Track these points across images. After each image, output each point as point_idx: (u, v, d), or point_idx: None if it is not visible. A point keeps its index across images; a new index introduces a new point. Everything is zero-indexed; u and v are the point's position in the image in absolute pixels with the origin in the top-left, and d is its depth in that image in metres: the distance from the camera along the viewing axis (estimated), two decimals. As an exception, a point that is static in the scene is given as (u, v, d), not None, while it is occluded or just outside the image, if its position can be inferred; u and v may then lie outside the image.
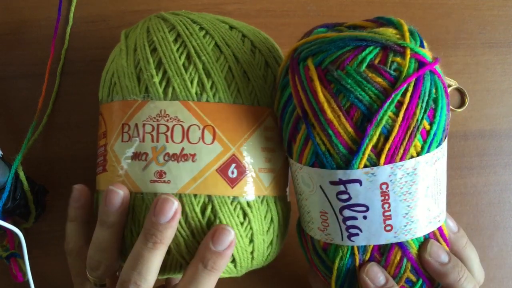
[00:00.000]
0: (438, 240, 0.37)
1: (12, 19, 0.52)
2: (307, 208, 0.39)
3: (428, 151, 0.34)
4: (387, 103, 0.33)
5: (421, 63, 0.34)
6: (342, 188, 0.35)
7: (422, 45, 0.35)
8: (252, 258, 0.40)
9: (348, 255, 0.37)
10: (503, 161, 0.55)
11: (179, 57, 0.38)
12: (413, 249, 0.37)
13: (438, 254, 0.37)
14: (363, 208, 0.35)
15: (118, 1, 0.53)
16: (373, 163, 0.34)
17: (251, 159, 0.38)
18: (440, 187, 0.37)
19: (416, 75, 0.33)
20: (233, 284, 0.49)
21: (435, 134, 0.35)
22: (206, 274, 0.36)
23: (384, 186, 0.34)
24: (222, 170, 0.37)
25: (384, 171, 0.34)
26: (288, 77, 0.37)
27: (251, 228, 0.38)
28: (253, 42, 0.40)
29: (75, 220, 0.41)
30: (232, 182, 0.38)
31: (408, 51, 0.34)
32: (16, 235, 0.41)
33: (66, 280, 0.42)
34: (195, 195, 0.37)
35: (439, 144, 0.35)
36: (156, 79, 0.38)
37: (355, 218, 0.35)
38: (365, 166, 0.34)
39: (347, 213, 0.35)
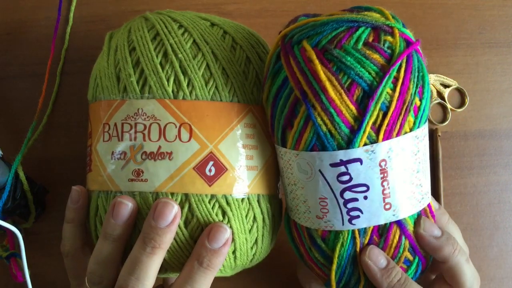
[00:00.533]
0: (427, 217, 0.38)
1: (12, 19, 0.52)
2: (303, 198, 0.38)
3: (418, 127, 0.36)
4: (386, 78, 0.34)
5: (408, 42, 0.36)
6: (343, 169, 0.35)
7: (404, 27, 0.37)
8: (235, 257, 0.39)
9: (348, 241, 0.37)
10: (503, 161, 0.55)
11: (156, 56, 0.38)
12: (410, 226, 0.37)
13: (431, 229, 0.38)
14: (364, 188, 0.35)
15: (118, 1, 0.53)
16: (373, 140, 0.35)
17: (230, 157, 0.38)
18: (427, 163, 0.38)
19: (407, 52, 0.35)
20: (234, 283, 0.49)
21: (424, 110, 0.36)
22: (202, 272, 0.36)
23: (383, 163, 0.35)
24: (199, 168, 0.37)
25: (383, 148, 0.35)
26: (280, 62, 0.37)
27: (231, 226, 0.38)
28: (234, 39, 0.40)
29: (73, 222, 0.41)
30: (210, 180, 0.37)
31: (397, 31, 0.36)
32: (15, 234, 0.41)
33: (66, 280, 0.42)
34: (172, 194, 0.37)
35: (425, 122, 0.37)
36: (134, 78, 0.38)
37: (356, 200, 0.36)
38: (365, 144, 0.35)
39: (348, 195, 0.36)
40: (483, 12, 0.56)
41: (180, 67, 0.38)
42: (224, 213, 0.38)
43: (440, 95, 0.55)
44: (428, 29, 0.55)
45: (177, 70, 0.38)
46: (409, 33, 0.37)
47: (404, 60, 0.35)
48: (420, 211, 0.38)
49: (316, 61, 0.34)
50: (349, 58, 0.34)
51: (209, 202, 0.37)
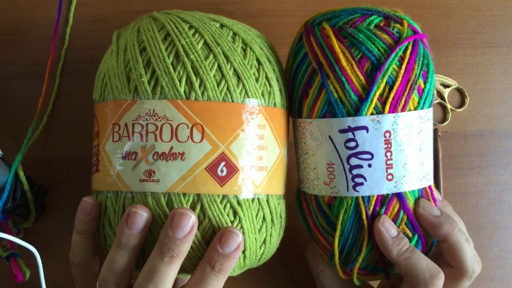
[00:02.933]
0: (428, 199, 0.41)
1: (12, 19, 0.52)
2: (313, 165, 0.41)
3: (422, 108, 0.40)
4: (393, 55, 0.39)
5: (415, 32, 0.41)
6: (350, 135, 0.39)
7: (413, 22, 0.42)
8: (244, 257, 0.39)
9: (352, 207, 0.40)
10: (503, 161, 0.55)
11: (168, 56, 0.38)
12: (410, 202, 0.40)
13: (431, 208, 0.40)
14: (369, 156, 0.39)
15: (118, 1, 0.53)
16: (379, 111, 0.39)
17: (242, 157, 0.38)
18: (430, 147, 0.41)
19: (414, 38, 0.40)
20: (234, 283, 0.49)
21: (428, 93, 0.40)
22: (214, 276, 0.36)
23: (387, 134, 0.39)
24: (211, 169, 0.37)
25: (388, 119, 0.38)
26: (301, 42, 0.42)
27: (241, 227, 0.38)
28: (244, 40, 0.40)
29: (84, 233, 0.40)
30: (222, 181, 0.37)
31: (405, 22, 0.41)
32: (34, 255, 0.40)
33: (66, 280, 0.42)
34: (184, 194, 0.37)
35: (429, 106, 0.41)
36: (145, 78, 0.38)
37: (360, 167, 0.39)
38: (372, 114, 0.38)
39: (353, 161, 0.39)
40: (483, 12, 0.56)
41: (192, 68, 0.38)
42: (235, 213, 0.38)
43: (440, 95, 0.55)
44: (428, 29, 0.55)
45: (189, 71, 0.38)
46: (417, 26, 0.41)
47: (411, 44, 0.40)
48: (422, 191, 0.40)
49: (333, 37, 0.39)
50: (361, 35, 0.39)
51: (221, 202, 0.38)
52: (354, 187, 0.39)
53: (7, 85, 0.51)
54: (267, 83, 0.40)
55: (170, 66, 0.38)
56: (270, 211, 0.40)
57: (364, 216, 0.39)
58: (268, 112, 0.40)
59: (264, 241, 0.40)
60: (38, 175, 0.49)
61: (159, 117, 0.37)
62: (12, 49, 0.52)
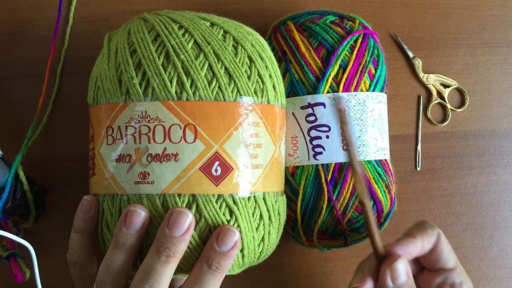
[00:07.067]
0: (385, 170, 0.46)
1: (12, 19, 0.52)
2: None
3: (374, 90, 0.46)
4: (345, 43, 0.45)
5: (365, 28, 0.47)
6: (310, 111, 0.45)
7: (367, 24, 0.48)
8: (243, 255, 0.39)
9: (313, 174, 0.45)
10: (503, 161, 0.55)
11: (158, 57, 0.38)
12: (367, 170, 0.45)
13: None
14: (326, 129, 0.45)
15: (118, 1, 0.53)
16: (334, 90, 0.45)
17: (236, 156, 0.38)
18: (384, 127, 0.47)
19: (364, 31, 0.47)
20: (233, 283, 0.49)
21: (379, 78, 0.46)
22: (211, 274, 0.36)
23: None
24: (205, 169, 0.37)
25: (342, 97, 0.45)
26: (270, 40, 0.48)
27: (238, 225, 0.38)
28: (235, 38, 0.40)
29: (81, 232, 0.40)
30: (216, 180, 0.38)
31: (357, 20, 0.48)
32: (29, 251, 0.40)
33: (66, 280, 0.42)
34: (179, 195, 0.37)
35: (381, 90, 0.47)
36: (136, 81, 0.38)
37: (319, 138, 0.45)
38: (328, 92, 0.45)
39: (313, 133, 0.45)
40: (483, 12, 0.56)
41: (183, 68, 0.38)
42: (231, 212, 0.38)
43: (440, 95, 0.55)
44: (428, 29, 0.55)
45: (179, 71, 0.38)
46: (369, 25, 0.48)
47: (361, 35, 0.46)
48: (379, 162, 0.45)
49: (295, 30, 0.46)
50: (318, 28, 0.46)
51: (216, 202, 0.38)
52: (314, 156, 0.45)
53: (7, 85, 0.51)
54: (259, 80, 0.40)
55: (161, 67, 0.38)
56: (267, 208, 0.40)
57: (323, 181, 0.44)
58: (261, 109, 0.40)
59: (262, 239, 0.40)
60: (38, 175, 0.49)
61: (151, 119, 0.37)
62: (12, 49, 0.52)
